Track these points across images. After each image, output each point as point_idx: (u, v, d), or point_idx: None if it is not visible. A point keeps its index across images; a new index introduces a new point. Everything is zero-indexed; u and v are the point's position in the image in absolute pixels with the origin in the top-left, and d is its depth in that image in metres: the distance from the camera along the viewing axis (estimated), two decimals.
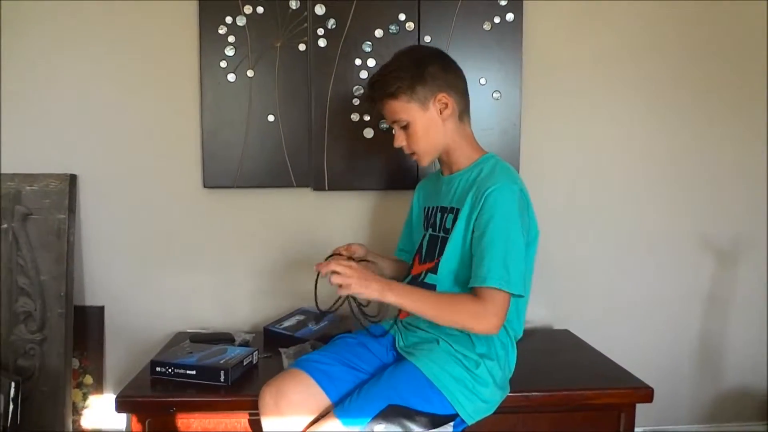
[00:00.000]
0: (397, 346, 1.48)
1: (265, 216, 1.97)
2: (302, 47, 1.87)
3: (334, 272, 1.26)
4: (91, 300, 1.95)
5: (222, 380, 1.49)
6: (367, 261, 1.53)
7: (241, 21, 1.85)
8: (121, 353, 1.96)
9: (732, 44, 2.01)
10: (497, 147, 1.86)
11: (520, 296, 1.31)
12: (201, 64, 1.86)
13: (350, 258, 1.44)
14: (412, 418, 1.27)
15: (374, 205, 1.99)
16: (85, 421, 1.95)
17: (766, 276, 2.10)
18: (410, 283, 1.46)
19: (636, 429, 1.56)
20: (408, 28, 1.88)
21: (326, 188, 1.92)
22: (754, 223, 2.09)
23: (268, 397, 1.35)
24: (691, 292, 2.09)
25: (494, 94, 1.91)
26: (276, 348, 1.70)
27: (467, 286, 1.32)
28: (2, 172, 1.86)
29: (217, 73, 1.86)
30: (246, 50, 1.86)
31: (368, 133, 1.91)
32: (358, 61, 1.88)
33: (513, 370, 1.45)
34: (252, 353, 1.61)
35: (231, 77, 1.86)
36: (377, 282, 1.28)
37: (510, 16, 1.89)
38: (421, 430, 1.28)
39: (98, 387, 1.95)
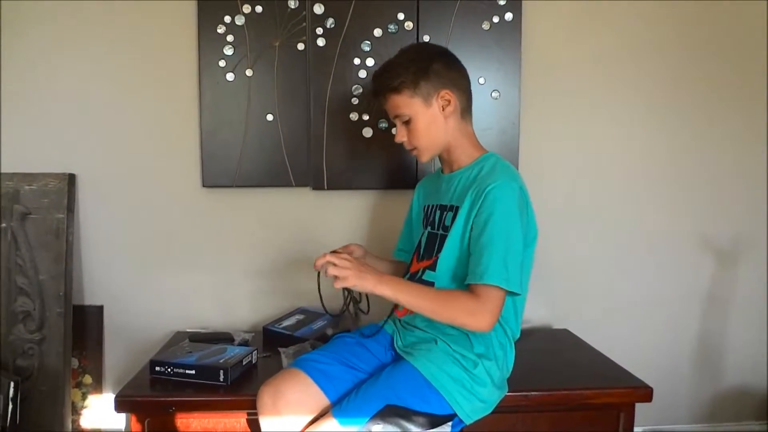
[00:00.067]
0: (395, 345, 1.47)
1: (265, 215, 1.97)
2: (301, 47, 1.87)
3: (331, 264, 1.26)
4: (90, 299, 1.95)
5: (221, 380, 1.50)
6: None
7: (239, 20, 1.85)
8: (121, 353, 1.96)
9: (732, 44, 2.01)
10: (496, 146, 1.86)
11: (517, 294, 1.31)
12: (200, 64, 1.86)
13: None
14: (410, 418, 1.27)
15: (373, 204, 1.99)
16: (85, 421, 1.95)
17: (766, 276, 2.10)
18: (408, 279, 1.46)
19: (635, 428, 1.56)
20: (407, 28, 1.88)
21: (325, 187, 1.92)
22: (754, 223, 2.09)
23: (266, 397, 1.35)
24: (691, 292, 2.09)
25: (493, 94, 1.91)
26: (275, 347, 1.70)
27: (465, 283, 1.31)
28: (1, 171, 1.86)
29: (215, 72, 1.86)
30: (245, 50, 1.86)
31: (367, 132, 1.90)
32: (356, 61, 1.88)
33: (511, 370, 1.44)
34: (251, 353, 1.61)
35: (230, 76, 1.86)
36: (373, 275, 1.27)
37: (509, 16, 1.89)
38: (418, 430, 1.28)
39: (97, 386, 1.95)
